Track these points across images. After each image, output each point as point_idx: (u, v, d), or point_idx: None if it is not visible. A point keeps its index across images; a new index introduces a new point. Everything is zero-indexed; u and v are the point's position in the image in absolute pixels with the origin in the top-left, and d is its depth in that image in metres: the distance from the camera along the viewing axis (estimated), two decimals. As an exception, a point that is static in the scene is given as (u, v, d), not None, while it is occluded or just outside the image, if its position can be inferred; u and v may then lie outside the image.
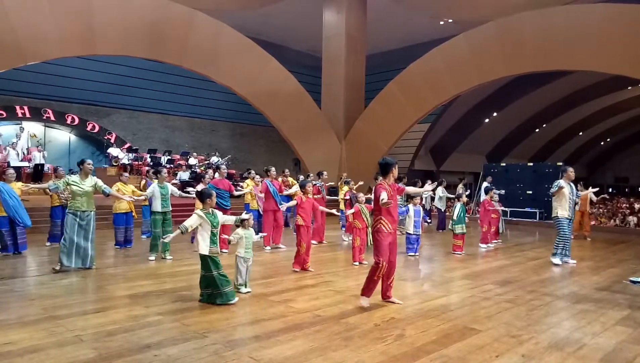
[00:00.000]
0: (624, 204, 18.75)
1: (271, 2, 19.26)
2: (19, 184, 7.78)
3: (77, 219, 6.18)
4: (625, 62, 11.87)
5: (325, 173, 9.68)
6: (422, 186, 12.40)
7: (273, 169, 8.73)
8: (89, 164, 6.38)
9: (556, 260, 7.51)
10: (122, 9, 12.86)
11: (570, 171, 7.53)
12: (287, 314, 4.44)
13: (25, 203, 7.95)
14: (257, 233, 5.56)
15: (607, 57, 12.12)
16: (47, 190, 7.23)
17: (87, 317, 4.22)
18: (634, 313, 4.75)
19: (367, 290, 4.72)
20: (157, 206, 7.28)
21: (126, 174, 8.60)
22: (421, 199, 12.50)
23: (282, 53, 21.00)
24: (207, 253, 4.71)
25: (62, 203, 7.99)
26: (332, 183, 11.89)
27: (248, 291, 5.22)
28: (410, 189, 5.25)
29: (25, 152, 14.89)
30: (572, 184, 7.56)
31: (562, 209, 7.47)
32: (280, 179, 10.31)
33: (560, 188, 7.40)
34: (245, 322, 4.30)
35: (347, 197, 10.15)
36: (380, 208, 4.74)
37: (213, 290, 4.70)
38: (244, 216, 5.23)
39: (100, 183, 6.53)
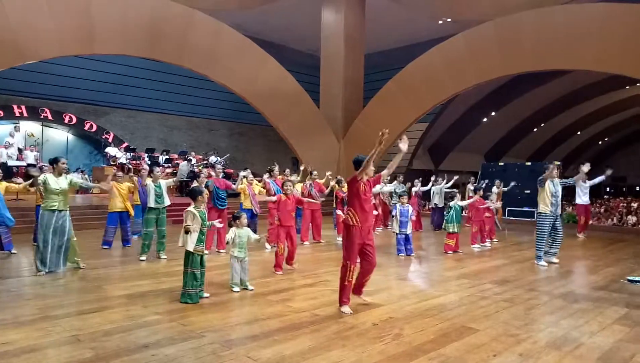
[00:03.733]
0: (622, 204, 18.77)
1: (270, 2, 19.23)
2: (4, 183, 7.69)
3: (53, 219, 6.05)
4: (624, 62, 11.88)
5: (315, 171, 9.67)
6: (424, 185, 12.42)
7: (276, 169, 8.80)
8: (63, 163, 6.24)
9: (542, 263, 7.27)
10: (121, 8, 12.83)
11: (552, 168, 7.33)
12: (285, 313, 4.44)
13: (22, 203, 7.95)
14: (255, 233, 5.58)
15: (606, 57, 12.13)
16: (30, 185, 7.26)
17: (84, 317, 4.21)
18: (632, 312, 4.75)
19: (343, 298, 4.57)
20: (151, 202, 7.23)
21: (120, 173, 8.55)
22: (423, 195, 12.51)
23: (281, 52, 20.97)
24: (191, 250, 4.72)
25: None
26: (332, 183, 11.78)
27: (250, 289, 5.27)
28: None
29: (19, 151, 14.81)
30: (554, 181, 7.33)
31: (544, 206, 7.29)
32: (281, 178, 10.32)
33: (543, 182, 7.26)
34: (243, 321, 4.29)
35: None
36: (352, 202, 4.62)
37: (182, 286, 4.74)
38: (216, 223, 5.28)
39: (75, 179, 6.44)
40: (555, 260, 7.49)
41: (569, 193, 11.64)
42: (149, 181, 7.38)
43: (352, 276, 4.56)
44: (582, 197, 11.18)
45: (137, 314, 4.31)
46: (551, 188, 7.27)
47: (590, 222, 14.84)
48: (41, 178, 6.16)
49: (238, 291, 5.18)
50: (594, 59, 12.43)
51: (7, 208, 7.42)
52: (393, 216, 8.13)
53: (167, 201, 7.38)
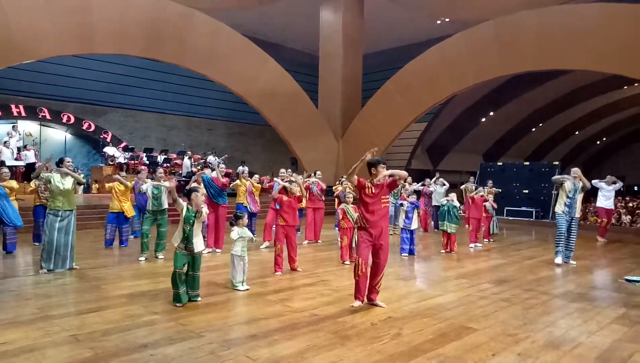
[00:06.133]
0: (620, 204, 18.80)
1: (269, 1, 19.24)
2: (13, 183, 7.67)
3: (58, 219, 6.07)
4: (622, 62, 11.92)
5: (319, 172, 9.70)
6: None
7: (283, 170, 8.92)
8: (69, 163, 6.32)
9: (557, 260, 7.41)
10: (120, 8, 12.83)
11: (573, 170, 7.57)
12: (284, 313, 4.44)
13: (20, 203, 7.90)
14: (252, 232, 5.58)
15: (604, 57, 12.17)
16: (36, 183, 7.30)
17: (83, 317, 4.21)
18: (630, 312, 4.77)
19: (356, 293, 4.71)
20: (148, 205, 7.26)
21: (123, 173, 8.59)
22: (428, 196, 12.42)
23: (280, 52, 20.97)
24: (175, 245, 4.77)
25: (43, 202, 7.88)
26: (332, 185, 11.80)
27: (246, 289, 5.26)
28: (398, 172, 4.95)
29: (18, 150, 14.76)
30: (575, 183, 7.45)
31: (558, 205, 7.55)
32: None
33: (562, 182, 7.50)
34: (241, 321, 4.30)
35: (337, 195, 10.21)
36: (359, 205, 4.77)
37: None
38: (204, 210, 4.91)
39: (76, 175, 6.39)
40: (572, 261, 7.55)
41: (591, 195, 11.71)
42: (148, 184, 7.35)
43: (361, 270, 4.62)
44: (605, 201, 10.91)
45: (136, 314, 4.31)
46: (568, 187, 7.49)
47: (589, 222, 14.89)
48: (46, 175, 6.18)
49: (243, 290, 5.20)
50: (592, 59, 12.46)
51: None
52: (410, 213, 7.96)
53: (165, 205, 7.32)
